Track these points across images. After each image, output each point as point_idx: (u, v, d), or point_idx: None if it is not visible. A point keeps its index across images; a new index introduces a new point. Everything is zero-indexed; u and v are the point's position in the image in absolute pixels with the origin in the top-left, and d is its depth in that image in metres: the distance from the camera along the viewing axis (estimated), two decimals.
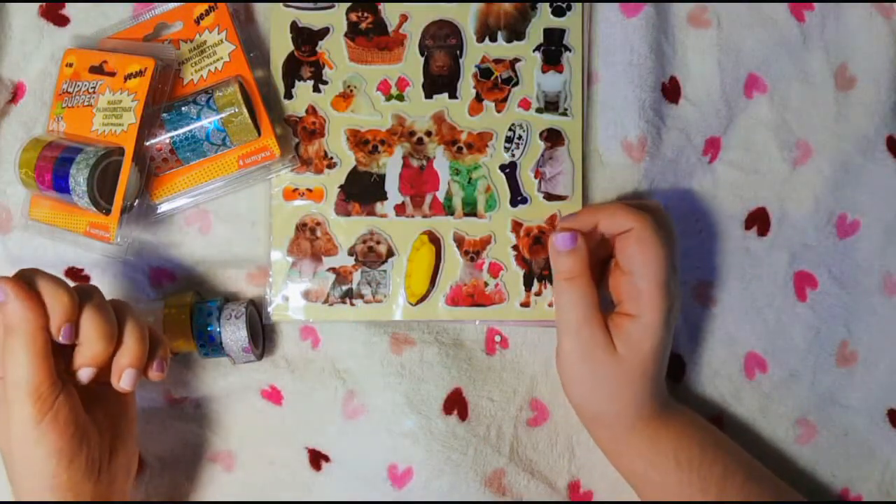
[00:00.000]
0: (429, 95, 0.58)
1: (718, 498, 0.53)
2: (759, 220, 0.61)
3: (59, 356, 0.48)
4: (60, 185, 0.52)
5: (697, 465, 0.54)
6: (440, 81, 0.58)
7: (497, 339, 0.59)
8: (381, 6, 0.57)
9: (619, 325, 0.53)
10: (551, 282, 0.58)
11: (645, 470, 0.55)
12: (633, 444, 0.55)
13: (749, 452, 0.60)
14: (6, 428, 0.47)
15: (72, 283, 0.49)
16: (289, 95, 0.58)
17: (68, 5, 0.58)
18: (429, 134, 0.58)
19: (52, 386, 0.46)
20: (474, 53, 0.58)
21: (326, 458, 0.59)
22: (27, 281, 0.46)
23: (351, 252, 0.58)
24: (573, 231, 0.54)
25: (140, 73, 0.53)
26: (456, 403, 0.59)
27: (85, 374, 0.48)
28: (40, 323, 0.46)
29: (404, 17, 0.58)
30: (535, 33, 0.58)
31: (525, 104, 0.58)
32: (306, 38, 0.58)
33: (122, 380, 0.49)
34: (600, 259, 0.56)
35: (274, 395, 0.59)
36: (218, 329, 0.56)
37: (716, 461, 0.54)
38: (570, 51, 0.58)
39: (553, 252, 0.54)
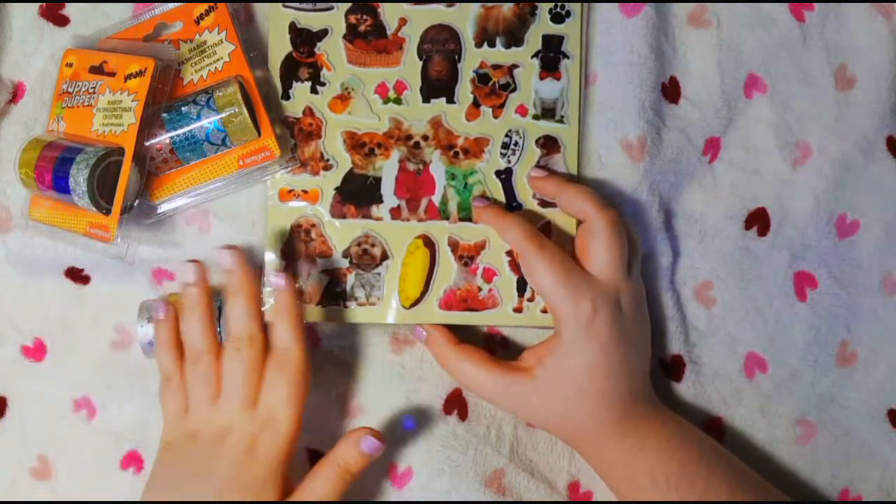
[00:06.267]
0: (426, 100, 0.58)
1: None
2: (759, 220, 0.61)
3: None
4: (60, 185, 0.52)
5: (675, 483, 0.53)
6: (438, 86, 0.58)
7: (497, 339, 0.59)
8: (381, 9, 0.57)
9: (547, 345, 0.54)
10: None
11: (624, 487, 0.55)
12: (606, 462, 0.55)
13: (749, 453, 0.60)
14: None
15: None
16: (286, 96, 0.58)
17: (68, 5, 0.59)
18: (426, 138, 0.58)
19: None
20: (473, 58, 0.58)
21: None
22: None
23: (345, 254, 0.58)
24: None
25: (140, 73, 0.53)
26: (456, 403, 0.59)
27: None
28: None
29: (403, 21, 0.58)
30: (533, 40, 0.58)
31: (522, 111, 0.58)
32: (305, 39, 0.57)
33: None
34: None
35: None
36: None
37: (697, 478, 0.53)
38: (568, 58, 0.58)
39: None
